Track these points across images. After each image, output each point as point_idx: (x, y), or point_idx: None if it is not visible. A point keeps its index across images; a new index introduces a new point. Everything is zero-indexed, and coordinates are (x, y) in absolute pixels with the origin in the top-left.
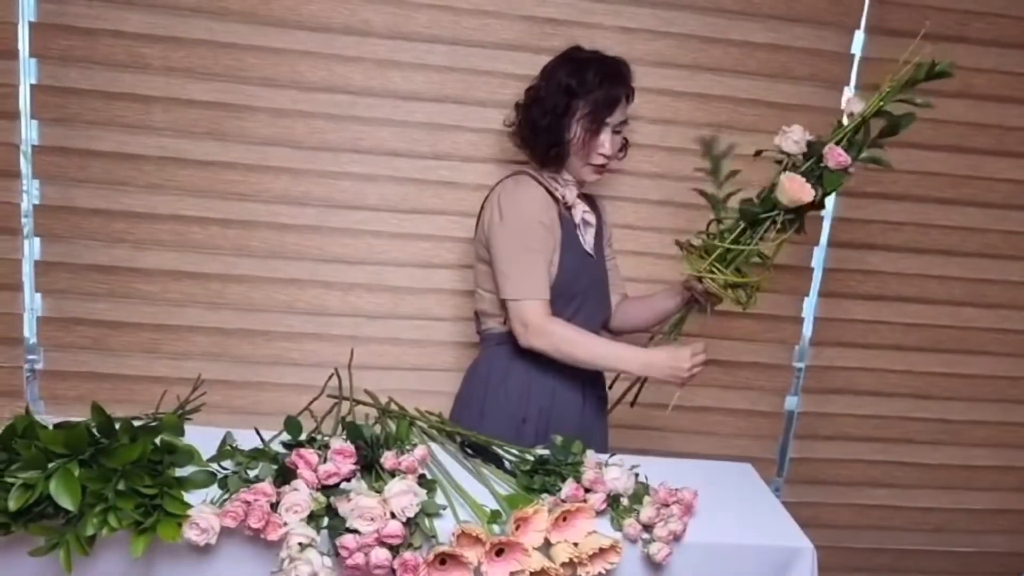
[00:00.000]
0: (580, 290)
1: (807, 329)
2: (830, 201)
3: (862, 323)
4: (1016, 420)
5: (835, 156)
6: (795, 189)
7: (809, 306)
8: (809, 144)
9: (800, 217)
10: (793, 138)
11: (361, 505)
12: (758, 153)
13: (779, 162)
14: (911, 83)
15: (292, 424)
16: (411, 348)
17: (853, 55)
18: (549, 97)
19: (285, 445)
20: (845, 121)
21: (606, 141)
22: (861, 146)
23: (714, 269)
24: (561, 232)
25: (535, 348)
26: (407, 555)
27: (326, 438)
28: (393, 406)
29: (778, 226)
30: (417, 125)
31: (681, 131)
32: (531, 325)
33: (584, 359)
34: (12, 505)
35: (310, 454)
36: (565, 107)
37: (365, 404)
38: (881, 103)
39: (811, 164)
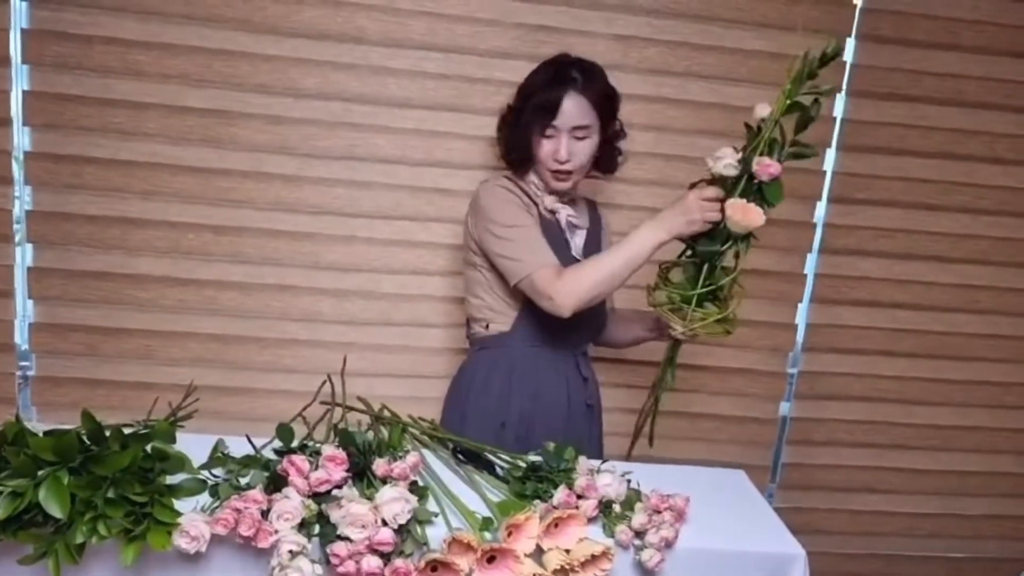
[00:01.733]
0: None
1: (799, 335)
2: (822, 207)
3: (854, 329)
4: (1008, 426)
5: (766, 169)
6: (745, 216)
7: (801, 312)
8: (740, 162)
9: (750, 233)
10: (730, 161)
11: (352, 512)
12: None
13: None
14: (810, 74)
15: (284, 431)
16: (404, 355)
17: (845, 62)
18: (514, 102)
19: (277, 452)
20: (762, 126)
21: (558, 146)
22: (783, 147)
23: (704, 317)
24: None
25: (572, 309)
26: (398, 562)
27: (318, 445)
28: (386, 413)
29: (739, 249)
30: (411, 132)
31: (674, 139)
32: (546, 293)
33: (614, 272)
34: (0, 513)
35: (301, 461)
36: (520, 111)
37: (358, 411)
38: (788, 100)
39: (745, 183)
